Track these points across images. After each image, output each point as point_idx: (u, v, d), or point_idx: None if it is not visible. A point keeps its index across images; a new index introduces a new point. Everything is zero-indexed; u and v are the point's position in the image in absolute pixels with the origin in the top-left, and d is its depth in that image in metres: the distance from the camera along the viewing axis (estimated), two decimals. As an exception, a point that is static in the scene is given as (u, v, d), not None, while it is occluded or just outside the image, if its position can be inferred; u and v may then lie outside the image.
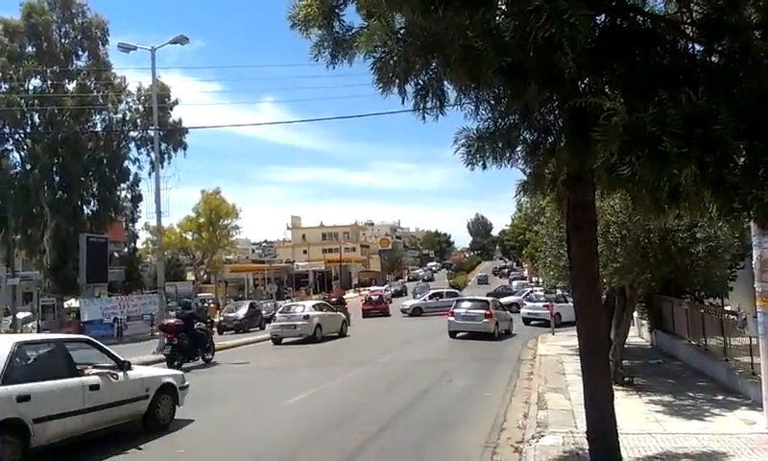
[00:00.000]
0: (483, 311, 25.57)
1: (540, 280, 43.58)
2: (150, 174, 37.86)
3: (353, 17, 5.62)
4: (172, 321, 19.51)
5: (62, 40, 36.59)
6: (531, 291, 45.67)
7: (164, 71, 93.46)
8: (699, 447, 7.87)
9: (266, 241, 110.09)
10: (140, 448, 9.05)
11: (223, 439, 9.85)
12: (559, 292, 28.62)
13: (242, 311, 35.93)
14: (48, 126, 35.46)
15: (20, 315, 35.15)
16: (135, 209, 42.53)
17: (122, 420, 9.49)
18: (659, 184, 4.45)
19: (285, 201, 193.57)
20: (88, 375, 8.94)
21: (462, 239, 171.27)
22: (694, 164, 3.99)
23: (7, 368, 7.68)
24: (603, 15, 4.86)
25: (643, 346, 20.41)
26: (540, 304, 30.58)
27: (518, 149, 6.10)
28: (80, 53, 37.45)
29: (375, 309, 43.48)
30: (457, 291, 51.45)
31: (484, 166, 5.87)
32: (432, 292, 48.07)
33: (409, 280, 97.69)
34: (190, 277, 62.72)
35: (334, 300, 39.33)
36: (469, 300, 28.66)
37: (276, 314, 28.61)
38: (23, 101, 35.21)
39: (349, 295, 68.36)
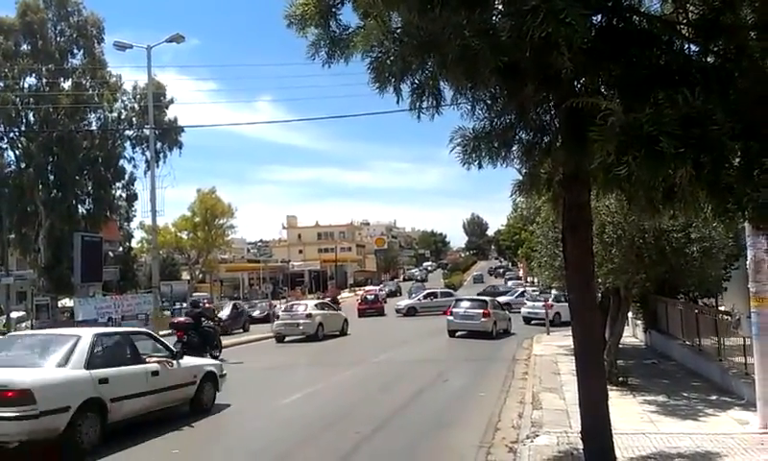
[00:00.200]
0: (481, 311, 25.84)
1: (536, 280, 43.67)
2: (145, 173, 37.71)
3: (350, 17, 5.62)
4: (182, 319, 20.15)
5: (58, 39, 36.44)
6: (523, 291, 45.84)
7: (160, 70, 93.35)
8: (693, 446, 7.89)
9: (261, 240, 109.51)
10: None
11: (219, 437, 9.85)
12: (555, 292, 28.66)
13: (225, 312, 33.62)
14: (43, 124, 35.35)
15: (14, 314, 34.91)
16: (130, 208, 42.41)
17: (175, 403, 10.74)
18: (654, 185, 4.46)
19: (281, 200, 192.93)
20: (149, 362, 10.20)
21: (457, 239, 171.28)
22: (690, 165, 4.01)
23: (89, 355, 8.88)
24: (599, 15, 4.87)
25: (638, 346, 20.47)
26: (540, 304, 30.62)
27: (514, 149, 6.11)
28: (75, 51, 37.30)
29: (371, 308, 43.88)
30: (452, 291, 51.41)
31: (480, 166, 5.88)
32: (427, 292, 48.11)
33: (404, 280, 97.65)
34: (185, 276, 62.64)
35: (328, 300, 39.25)
36: (468, 299, 29.00)
37: (279, 313, 29.35)
38: (18, 99, 35.05)
39: (345, 295, 68.36)
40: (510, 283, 63.91)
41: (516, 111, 5.79)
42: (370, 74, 5.11)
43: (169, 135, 39.91)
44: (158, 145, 36.89)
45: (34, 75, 36.03)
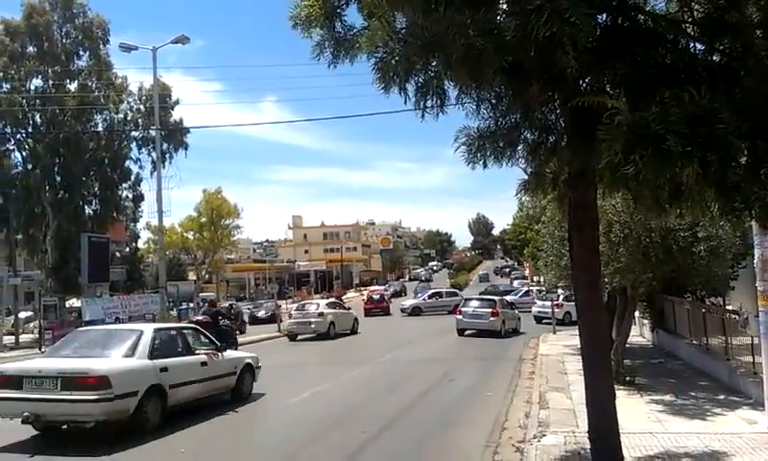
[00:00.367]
0: (490, 310, 26.20)
1: (542, 280, 43.61)
2: (151, 174, 37.74)
3: (355, 17, 5.62)
4: (200, 318, 20.92)
5: (64, 40, 36.48)
6: (528, 290, 45.81)
7: (165, 71, 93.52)
8: (700, 446, 7.87)
9: (267, 241, 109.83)
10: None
11: (226, 436, 9.87)
12: (561, 291, 28.68)
13: None
14: (49, 126, 35.39)
15: (22, 315, 35.14)
16: (137, 209, 42.45)
17: (219, 391, 11.89)
18: (661, 183, 4.44)
19: (287, 200, 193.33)
20: (199, 354, 11.32)
21: (463, 239, 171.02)
22: (696, 163, 3.99)
23: (151, 347, 10.00)
24: (604, 14, 4.85)
25: (645, 345, 20.41)
26: (551, 303, 30.66)
27: (519, 148, 6.09)
28: (81, 53, 37.31)
29: (377, 308, 44.39)
30: (457, 291, 51.40)
31: (485, 165, 5.87)
32: (432, 291, 48.22)
33: (410, 280, 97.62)
34: (192, 276, 62.75)
35: (332, 300, 39.32)
36: (477, 299, 29.43)
37: (292, 311, 30.00)
38: (24, 101, 35.10)
39: (351, 294, 68.43)
40: (516, 283, 63.79)
41: (521, 111, 5.77)
42: (374, 74, 5.10)
43: (175, 136, 39.94)
44: (164, 146, 36.86)
45: (40, 77, 36.07)
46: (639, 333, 22.55)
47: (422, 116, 5.33)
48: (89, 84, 37.28)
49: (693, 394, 11.45)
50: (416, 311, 42.24)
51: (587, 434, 6.34)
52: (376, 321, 38.57)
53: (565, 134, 5.71)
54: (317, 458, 8.66)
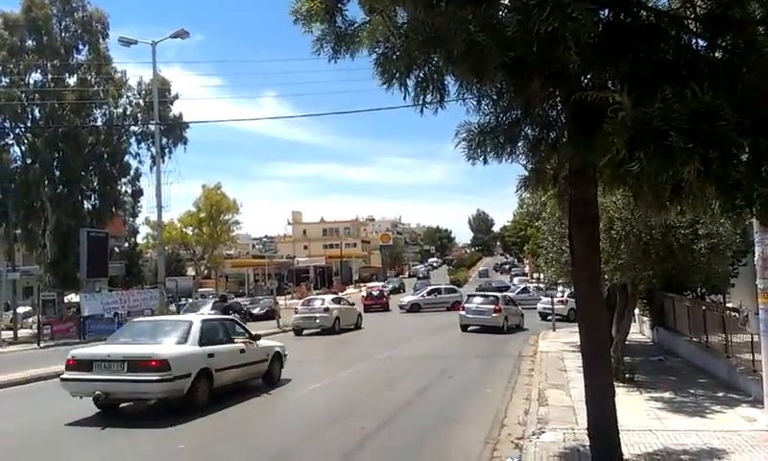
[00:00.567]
0: (492, 306, 26.48)
1: (542, 277, 43.63)
2: (150, 168, 37.69)
3: (356, 12, 5.59)
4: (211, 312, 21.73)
5: (63, 34, 36.38)
6: (525, 287, 45.88)
7: (165, 65, 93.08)
8: (699, 443, 7.87)
9: (267, 236, 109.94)
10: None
11: (225, 432, 9.85)
12: (561, 288, 28.71)
13: (205, 309, 30.16)
14: (48, 120, 35.29)
15: (21, 309, 35.10)
16: (136, 204, 42.37)
17: (254, 376, 13.13)
18: (662, 180, 4.43)
19: (286, 196, 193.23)
20: (237, 342, 12.54)
21: (463, 235, 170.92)
22: (698, 160, 3.97)
23: (200, 335, 11.35)
24: (606, 10, 4.83)
25: (644, 343, 20.42)
26: (556, 300, 30.71)
27: (520, 144, 6.08)
28: (80, 47, 37.19)
29: (376, 304, 44.60)
30: (456, 288, 51.36)
31: (485, 161, 5.86)
32: (431, 288, 48.18)
33: (410, 276, 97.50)
34: (191, 272, 62.75)
35: (337, 296, 39.34)
36: (480, 295, 29.72)
37: (298, 307, 30.44)
38: (23, 95, 35.02)
39: (350, 290, 68.36)
40: (516, 280, 63.78)
41: (522, 107, 5.75)
42: (375, 69, 5.08)
43: (174, 131, 39.85)
44: (164, 141, 36.79)
45: (39, 71, 35.96)
46: (639, 330, 22.56)
47: (422, 111, 5.32)
48: (89, 78, 37.19)
49: (693, 391, 11.45)
50: (414, 308, 42.21)
51: (586, 431, 6.35)
52: (375, 317, 38.57)
53: (566, 131, 5.69)
54: (316, 454, 8.65)
